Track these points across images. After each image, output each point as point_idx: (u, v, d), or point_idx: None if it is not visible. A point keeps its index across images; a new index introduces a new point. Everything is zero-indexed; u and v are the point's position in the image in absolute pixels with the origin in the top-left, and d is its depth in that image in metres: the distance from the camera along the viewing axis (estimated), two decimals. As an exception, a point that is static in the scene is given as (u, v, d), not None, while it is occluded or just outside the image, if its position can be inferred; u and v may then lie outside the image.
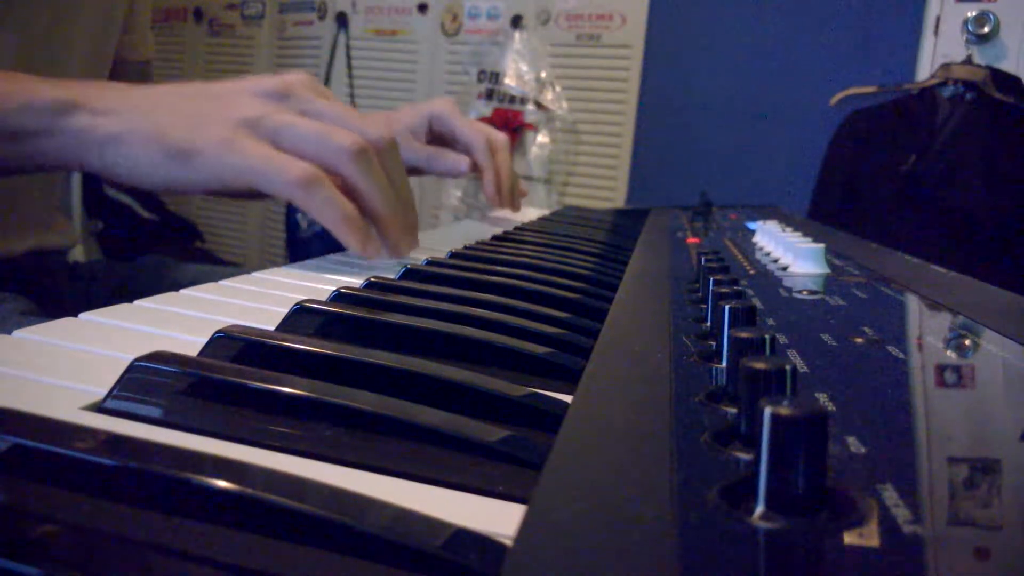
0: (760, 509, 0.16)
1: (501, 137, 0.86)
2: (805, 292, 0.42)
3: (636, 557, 0.14)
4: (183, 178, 0.48)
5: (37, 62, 0.73)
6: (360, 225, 0.49)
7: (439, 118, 0.83)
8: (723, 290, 0.32)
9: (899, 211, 1.53)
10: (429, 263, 0.50)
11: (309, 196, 0.47)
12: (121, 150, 0.48)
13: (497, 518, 0.18)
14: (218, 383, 0.24)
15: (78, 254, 1.94)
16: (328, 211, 0.48)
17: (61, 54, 0.76)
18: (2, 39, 0.70)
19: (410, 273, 0.47)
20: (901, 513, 0.16)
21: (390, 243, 0.53)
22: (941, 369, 0.29)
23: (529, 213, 1.00)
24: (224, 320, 0.33)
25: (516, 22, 2.11)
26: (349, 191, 0.50)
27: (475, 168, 0.83)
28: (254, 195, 0.53)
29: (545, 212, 1.08)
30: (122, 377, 0.24)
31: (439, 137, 0.84)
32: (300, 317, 0.34)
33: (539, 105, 2.07)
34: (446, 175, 0.80)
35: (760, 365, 0.19)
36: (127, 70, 0.90)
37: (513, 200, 0.89)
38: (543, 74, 2.07)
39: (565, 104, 2.06)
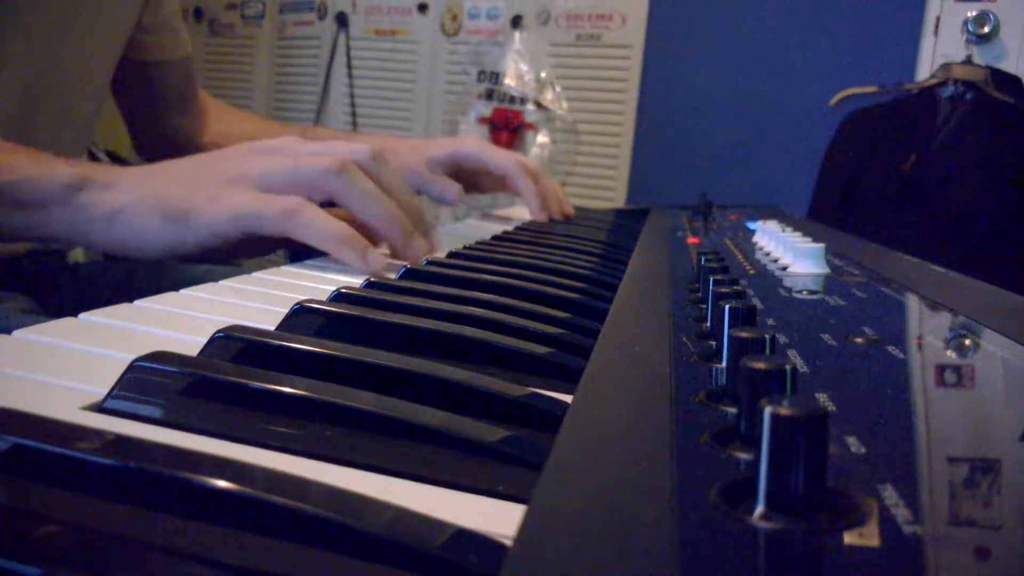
0: (760, 509, 0.16)
1: (534, 161, 0.90)
2: (805, 292, 0.42)
3: (636, 557, 0.14)
4: (183, 240, 0.50)
5: (43, 68, 0.73)
6: (354, 240, 0.49)
7: (469, 157, 0.86)
8: (723, 290, 0.32)
9: (899, 211, 1.53)
10: (429, 263, 0.50)
11: (295, 224, 0.48)
12: (125, 221, 0.50)
13: (497, 518, 0.18)
14: (218, 383, 0.24)
15: (78, 254, 1.94)
16: (316, 233, 0.48)
17: (66, 58, 0.76)
18: (9, 46, 0.70)
19: (410, 273, 0.47)
20: (901, 513, 0.16)
21: (397, 248, 0.53)
22: (941, 369, 0.29)
23: (528, 213, 1.00)
24: (224, 320, 0.33)
25: (516, 22, 2.11)
26: (343, 209, 0.51)
27: (503, 189, 0.89)
28: (256, 246, 0.53)
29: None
30: (122, 377, 0.24)
31: (471, 173, 0.87)
32: (300, 317, 0.34)
33: (539, 105, 2.07)
34: (439, 201, 0.83)
35: (760, 365, 0.19)
36: (169, 72, 0.90)
37: (563, 213, 0.92)
38: (543, 74, 2.07)
39: (565, 104, 2.06)
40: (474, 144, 0.88)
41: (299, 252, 0.53)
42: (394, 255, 0.54)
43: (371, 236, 0.52)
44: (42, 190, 0.50)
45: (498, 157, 0.86)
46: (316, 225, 0.48)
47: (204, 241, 0.50)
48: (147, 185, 0.51)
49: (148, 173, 0.52)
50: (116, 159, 2.33)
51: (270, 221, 0.48)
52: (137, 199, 0.50)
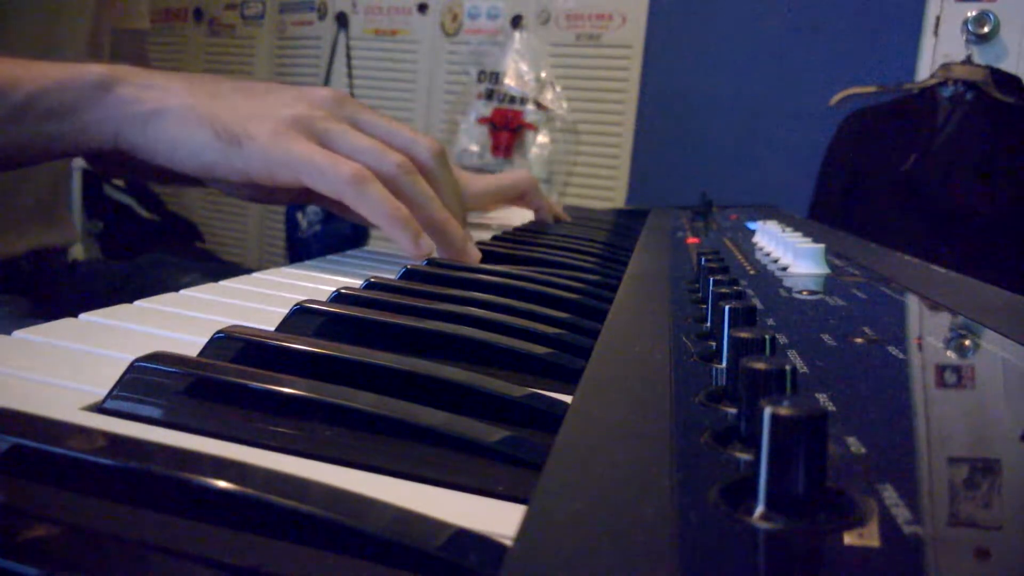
0: (760, 509, 0.16)
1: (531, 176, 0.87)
2: (805, 292, 0.42)
3: (636, 557, 0.14)
4: (229, 163, 0.48)
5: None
6: (408, 221, 0.49)
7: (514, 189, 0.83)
8: (723, 290, 0.32)
9: (899, 211, 1.53)
10: (429, 263, 0.50)
11: (360, 194, 0.47)
12: (167, 126, 0.48)
13: (497, 518, 0.18)
14: (218, 383, 0.24)
15: (78, 254, 1.94)
16: (380, 208, 0.48)
17: (60, 54, 0.76)
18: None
19: (410, 273, 0.47)
20: (901, 513, 0.16)
21: (454, 250, 0.53)
22: (941, 369, 0.29)
23: (528, 214, 1.00)
24: (224, 320, 0.33)
25: (516, 22, 2.11)
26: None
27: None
28: (293, 196, 0.52)
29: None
30: (122, 377, 0.24)
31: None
32: (300, 317, 0.34)
33: (539, 105, 2.07)
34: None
35: (760, 365, 0.19)
36: (122, 39, 0.89)
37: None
38: (543, 74, 2.07)
39: (565, 104, 2.06)
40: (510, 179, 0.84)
41: (299, 252, 0.53)
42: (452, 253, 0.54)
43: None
44: (70, 92, 0.48)
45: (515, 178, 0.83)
46: (378, 200, 0.48)
47: (252, 171, 0.48)
48: (197, 95, 0.49)
49: (193, 81, 0.50)
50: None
51: (332, 181, 0.47)
52: (185, 105, 0.48)
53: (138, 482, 0.18)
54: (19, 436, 0.19)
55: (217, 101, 0.49)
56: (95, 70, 0.49)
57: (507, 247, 0.62)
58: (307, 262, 0.54)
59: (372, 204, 0.48)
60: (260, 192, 0.53)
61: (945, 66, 1.54)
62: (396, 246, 0.50)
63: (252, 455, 0.21)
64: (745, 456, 0.19)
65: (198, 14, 2.65)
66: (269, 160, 0.48)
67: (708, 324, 0.33)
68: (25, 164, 0.55)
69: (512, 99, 2.09)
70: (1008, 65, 1.51)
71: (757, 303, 0.38)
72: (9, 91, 0.48)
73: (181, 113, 0.48)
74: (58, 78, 0.48)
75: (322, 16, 2.40)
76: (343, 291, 0.38)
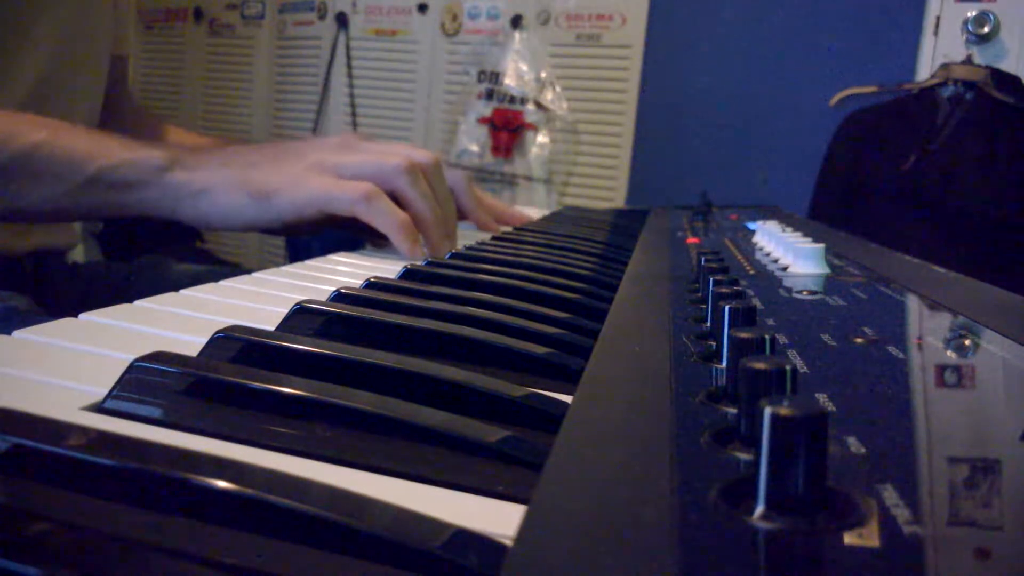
0: (760, 509, 0.16)
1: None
2: (805, 292, 0.42)
3: (636, 557, 0.14)
4: (265, 215, 0.57)
5: (53, 83, 0.74)
6: (412, 231, 0.58)
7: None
8: (723, 290, 0.32)
9: (899, 211, 1.53)
10: (429, 263, 0.50)
11: (371, 208, 0.56)
12: (213, 199, 0.57)
13: (497, 518, 0.18)
14: (218, 383, 0.24)
15: (78, 254, 1.94)
16: (387, 219, 0.56)
17: (78, 75, 0.77)
18: (16, 71, 0.71)
19: (410, 273, 0.47)
20: (901, 513, 0.16)
21: (431, 245, 0.61)
22: (941, 369, 0.29)
23: (529, 213, 1.00)
24: (224, 320, 0.33)
25: (516, 22, 2.11)
26: (399, 203, 0.59)
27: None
28: (324, 224, 0.61)
29: (545, 212, 1.08)
30: (122, 377, 0.24)
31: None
32: (300, 317, 0.34)
33: (539, 105, 2.07)
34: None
35: (760, 365, 0.19)
36: (112, 66, 0.90)
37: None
38: (543, 74, 2.07)
39: (565, 104, 2.06)
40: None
41: (299, 252, 0.55)
42: (429, 249, 0.61)
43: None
44: (135, 172, 0.57)
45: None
46: (385, 211, 0.56)
47: (285, 217, 0.57)
48: (231, 168, 0.58)
49: (229, 157, 0.60)
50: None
51: (346, 203, 0.56)
52: (224, 180, 0.57)
53: (138, 482, 0.18)
54: (19, 436, 0.19)
55: (249, 169, 0.58)
56: (157, 155, 0.57)
57: (507, 247, 0.62)
58: (307, 262, 0.54)
59: (381, 216, 0.56)
60: (298, 230, 0.61)
61: (945, 66, 1.53)
62: (399, 250, 0.58)
63: (252, 455, 0.21)
64: (745, 456, 0.19)
65: (198, 14, 2.65)
66: (295, 203, 0.56)
67: (708, 324, 0.33)
68: (85, 220, 0.62)
69: (512, 99, 2.09)
70: (1008, 65, 1.51)
71: (757, 303, 0.38)
72: (85, 163, 0.56)
73: (223, 187, 0.57)
74: (125, 158, 0.57)
75: (322, 16, 2.40)
76: (343, 291, 0.38)
